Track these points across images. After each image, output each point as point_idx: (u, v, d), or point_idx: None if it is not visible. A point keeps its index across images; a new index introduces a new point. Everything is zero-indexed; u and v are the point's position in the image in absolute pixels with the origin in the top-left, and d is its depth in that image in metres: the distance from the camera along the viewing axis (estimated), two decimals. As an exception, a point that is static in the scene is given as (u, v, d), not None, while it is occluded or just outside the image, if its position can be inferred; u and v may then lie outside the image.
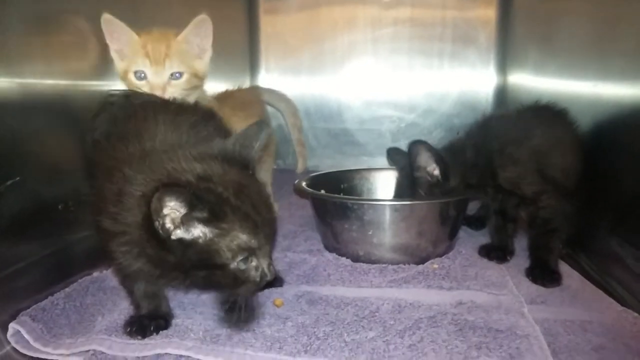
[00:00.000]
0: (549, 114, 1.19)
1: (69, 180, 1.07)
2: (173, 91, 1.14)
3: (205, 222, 0.69)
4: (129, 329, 0.85)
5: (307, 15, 2.17)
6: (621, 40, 1.12)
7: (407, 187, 1.17)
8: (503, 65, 2.05)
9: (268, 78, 2.19)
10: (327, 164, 2.03)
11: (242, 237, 0.72)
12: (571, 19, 1.42)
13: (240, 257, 0.72)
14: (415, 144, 1.14)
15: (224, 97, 1.43)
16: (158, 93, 1.10)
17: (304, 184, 1.25)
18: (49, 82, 1.05)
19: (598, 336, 0.86)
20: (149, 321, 0.86)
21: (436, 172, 1.14)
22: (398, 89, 2.14)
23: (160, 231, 0.69)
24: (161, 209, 0.67)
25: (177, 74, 1.14)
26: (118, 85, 1.18)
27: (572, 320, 0.91)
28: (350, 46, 2.14)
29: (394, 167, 1.33)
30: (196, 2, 1.51)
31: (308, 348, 0.81)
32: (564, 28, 1.47)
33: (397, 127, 2.17)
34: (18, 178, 0.92)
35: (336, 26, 2.15)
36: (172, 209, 0.67)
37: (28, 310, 0.91)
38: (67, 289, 1.01)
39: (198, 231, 0.70)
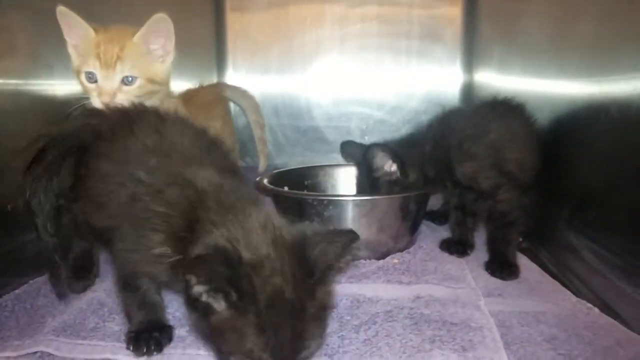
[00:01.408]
0: (505, 109, 1.21)
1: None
2: (124, 98, 1.06)
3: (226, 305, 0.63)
4: (131, 346, 0.78)
5: (275, 12, 2.15)
6: (576, 39, 1.14)
7: (368, 188, 1.16)
8: (469, 63, 2.07)
9: (236, 76, 2.17)
10: (296, 161, 2.01)
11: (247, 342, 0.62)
12: (532, 18, 1.44)
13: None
14: (370, 148, 1.14)
15: (186, 98, 1.39)
16: (107, 99, 1.04)
17: (265, 181, 1.24)
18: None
19: (551, 327, 0.87)
20: (149, 334, 0.79)
21: (394, 168, 1.14)
22: (366, 86, 2.14)
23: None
24: (189, 279, 0.62)
25: (129, 78, 1.06)
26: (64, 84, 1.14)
27: (527, 312, 0.92)
28: (318, 43, 2.14)
29: (349, 161, 1.33)
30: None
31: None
32: (525, 27, 1.49)
33: (366, 123, 2.17)
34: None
35: (304, 23, 2.14)
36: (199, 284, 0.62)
37: (-25, 312, 0.88)
38: (16, 291, 0.98)
39: (219, 305, 0.64)
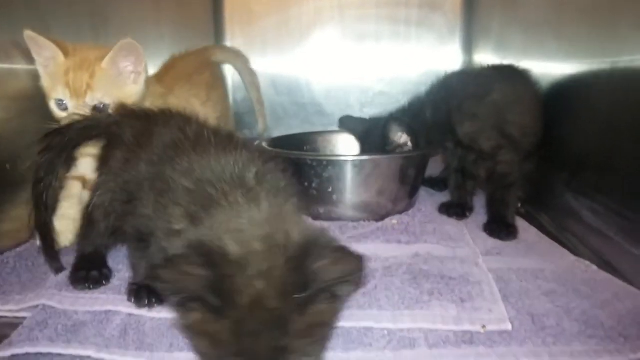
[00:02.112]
0: (510, 72, 1.20)
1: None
2: None
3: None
4: (132, 298, 0.79)
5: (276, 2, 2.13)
6: (576, 13, 1.14)
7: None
8: (468, 41, 2.04)
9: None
10: (295, 134, 2.01)
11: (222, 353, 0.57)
12: None
13: None
14: (389, 122, 1.14)
15: (164, 71, 1.31)
16: None
17: (264, 144, 1.24)
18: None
19: (549, 282, 0.88)
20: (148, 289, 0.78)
21: (409, 143, 1.15)
22: (365, 57, 2.12)
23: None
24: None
25: (101, 105, 1.02)
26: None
27: (525, 269, 0.93)
28: (317, 13, 2.11)
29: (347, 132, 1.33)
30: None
31: (262, 298, 0.81)
32: (522, 3, 1.48)
33: (365, 96, 2.15)
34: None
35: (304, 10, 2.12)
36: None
37: (-25, 268, 0.89)
38: (18, 249, 0.99)
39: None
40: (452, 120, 1.12)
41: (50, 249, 0.88)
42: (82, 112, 0.94)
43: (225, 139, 0.78)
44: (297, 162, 1.13)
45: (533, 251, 1.02)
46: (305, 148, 1.38)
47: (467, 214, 1.20)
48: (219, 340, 0.56)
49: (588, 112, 1.08)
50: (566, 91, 1.16)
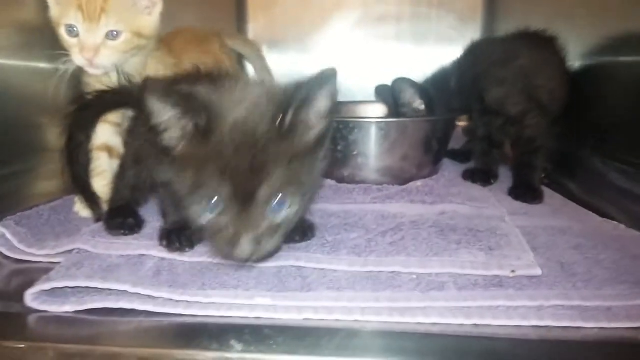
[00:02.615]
0: (537, 38, 1.20)
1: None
2: (109, 54, 0.97)
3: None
4: (164, 242, 0.81)
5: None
6: None
7: None
8: (490, 24, 2.03)
9: (254, 29, 2.16)
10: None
11: (206, 171, 0.64)
12: None
13: (198, 196, 0.66)
14: (399, 82, 1.15)
15: (172, 36, 1.27)
16: (89, 55, 0.95)
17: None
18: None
19: (577, 237, 0.88)
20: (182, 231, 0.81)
21: (422, 106, 1.15)
22: (386, 40, 2.12)
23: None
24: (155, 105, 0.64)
25: (113, 33, 0.96)
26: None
27: (553, 226, 0.93)
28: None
29: (382, 102, 1.33)
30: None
31: (291, 245, 0.82)
32: None
33: (385, 75, 2.15)
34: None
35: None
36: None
37: (13, 216, 0.91)
38: (51, 203, 1.01)
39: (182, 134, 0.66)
40: (479, 86, 1.13)
41: (91, 198, 0.91)
42: (94, 38, 0.94)
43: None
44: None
45: (560, 213, 1.02)
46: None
47: (492, 180, 1.20)
48: (204, 162, 0.64)
49: (615, 74, 1.08)
50: (593, 57, 1.16)
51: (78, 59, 0.97)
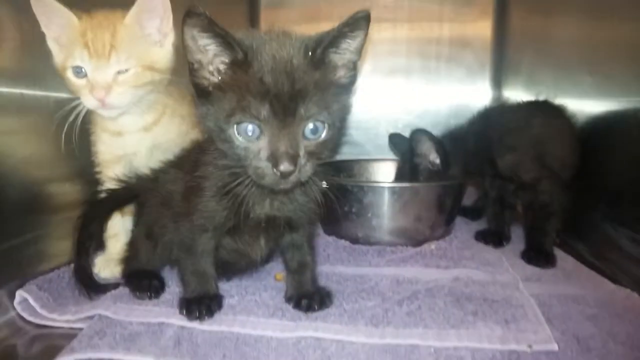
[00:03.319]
0: (547, 107, 1.24)
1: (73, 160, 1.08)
2: (121, 91, 0.91)
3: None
4: (183, 310, 0.82)
5: (307, 11, 2.21)
6: (612, 53, 1.16)
7: (408, 173, 1.20)
8: (498, 78, 2.08)
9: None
10: (324, 163, 2.04)
11: (248, 95, 0.68)
12: (563, 33, 1.46)
13: (237, 119, 0.69)
14: (418, 132, 1.18)
15: None
16: (101, 94, 0.89)
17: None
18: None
19: (591, 307, 0.88)
20: (201, 300, 0.83)
21: (437, 160, 1.18)
22: (395, 90, 2.17)
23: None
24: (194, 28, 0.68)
25: (124, 70, 0.91)
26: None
27: (566, 295, 0.94)
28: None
29: (395, 152, 1.36)
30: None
31: (309, 315, 0.83)
32: (555, 42, 1.51)
33: (394, 127, 2.19)
34: (29, 154, 0.95)
35: (335, 23, 2.19)
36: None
37: (35, 280, 0.93)
38: (72, 265, 1.02)
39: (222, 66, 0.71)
40: (493, 152, 1.15)
41: (89, 289, 0.91)
42: (104, 76, 0.89)
43: None
44: (339, 187, 1.16)
45: (572, 278, 1.03)
46: (341, 175, 1.41)
47: (504, 242, 1.21)
48: (244, 89, 0.68)
49: (625, 145, 1.10)
50: (602, 126, 1.18)
51: (89, 100, 0.91)
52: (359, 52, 0.73)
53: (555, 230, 1.15)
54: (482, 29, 2.07)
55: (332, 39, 0.69)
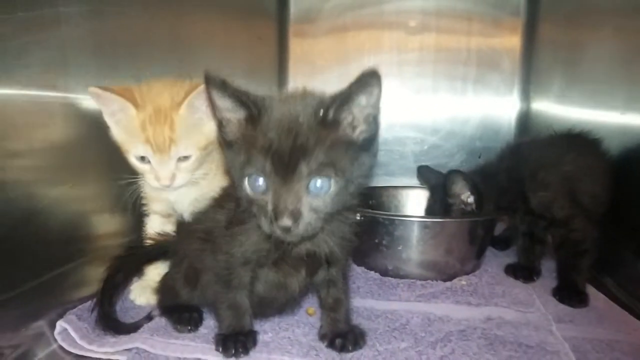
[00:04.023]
0: (581, 142, 1.22)
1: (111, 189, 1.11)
2: (183, 176, 1.00)
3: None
4: (219, 347, 0.83)
5: (335, 38, 2.22)
6: None
7: (440, 211, 1.20)
8: (526, 92, 2.07)
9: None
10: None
11: (254, 150, 0.71)
12: (597, 47, 1.45)
13: (247, 172, 0.72)
14: (453, 173, 1.18)
15: None
16: (167, 182, 0.98)
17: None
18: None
19: (626, 355, 0.88)
20: (237, 337, 0.84)
21: (470, 200, 1.18)
22: (422, 111, 2.17)
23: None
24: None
25: (184, 157, 0.99)
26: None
27: (600, 339, 0.93)
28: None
29: (423, 184, 1.36)
30: (230, 24, 1.56)
31: (343, 356, 0.84)
32: (589, 56, 1.50)
33: (420, 148, 2.19)
34: (70, 185, 0.97)
35: (363, 49, 2.20)
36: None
37: (74, 310, 0.95)
38: (110, 292, 1.05)
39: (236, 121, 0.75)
40: (525, 188, 1.15)
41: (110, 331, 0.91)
42: (167, 169, 0.98)
43: None
44: (370, 219, 1.16)
45: (605, 320, 1.02)
46: (370, 202, 1.42)
47: (535, 277, 1.21)
48: (252, 143, 0.71)
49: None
50: (637, 152, 1.16)
51: (154, 182, 1.00)
52: (377, 106, 0.73)
53: (588, 268, 1.14)
54: (511, 45, 2.07)
55: (345, 98, 0.70)
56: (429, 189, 1.32)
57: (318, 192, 0.71)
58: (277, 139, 0.70)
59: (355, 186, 0.76)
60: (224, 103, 0.74)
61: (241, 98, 0.72)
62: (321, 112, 0.71)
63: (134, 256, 1.03)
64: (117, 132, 0.99)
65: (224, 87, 0.72)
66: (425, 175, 1.36)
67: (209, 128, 1.00)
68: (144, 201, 1.10)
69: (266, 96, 0.75)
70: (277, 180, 0.70)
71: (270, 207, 0.70)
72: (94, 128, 1.01)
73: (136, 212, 1.10)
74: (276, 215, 0.70)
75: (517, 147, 1.25)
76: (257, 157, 0.70)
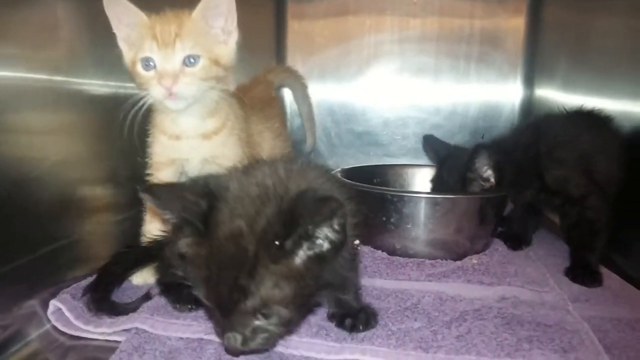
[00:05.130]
0: (596, 119, 1.19)
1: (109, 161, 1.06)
2: (188, 81, 0.91)
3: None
4: None
5: (335, 4, 2.16)
6: None
7: (455, 183, 1.15)
8: (530, 76, 2.03)
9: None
10: (349, 163, 1.99)
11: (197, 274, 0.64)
12: (606, 30, 1.40)
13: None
14: (480, 149, 1.13)
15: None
16: (168, 82, 0.90)
17: (338, 175, 1.24)
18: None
19: (648, 334, 0.84)
20: None
21: (492, 178, 1.13)
22: (424, 90, 2.13)
23: None
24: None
25: (191, 59, 0.92)
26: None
27: (619, 319, 0.89)
28: (377, 46, 2.13)
29: (428, 155, 1.31)
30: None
31: (355, 335, 0.79)
32: (596, 41, 1.45)
33: (422, 128, 2.14)
34: (62, 156, 0.92)
35: (363, 27, 2.15)
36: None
37: (68, 288, 0.90)
38: (108, 270, 1.00)
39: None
40: (541, 165, 1.11)
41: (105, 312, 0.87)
42: (172, 65, 0.90)
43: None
44: (379, 196, 1.12)
45: (621, 300, 0.98)
46: (375, 180, 1.37)
47: (523, 247, 1.23)
48: (197, 265, 0.63)
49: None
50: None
51: (157, 90, 0.91)
52: (338, 242, 0.63)
53: (601, 247, 1.10)
54: (515, 26, 2.02)
55: (300, 235, 0.60)
56: (436, 160, 1.27)
57: (264, 320, 0.64)
58: (219, 274, 0.61)
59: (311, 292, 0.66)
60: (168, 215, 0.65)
61: (184, 211, 0.63)
62: (273, 248, 0.60)
63: (132, 254, 0.98)
64: (128, 50, 0.95)
65: (166, 202, 0.64)
66: (434, 145, 1.31)
67: (222, 51, 0.96)
68: (149, 170, 1.04)
69: (219, 198, 0.64)
70: (218, 313, 0.64)
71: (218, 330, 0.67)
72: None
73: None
74: (222, 338, 0.66)
75: (536, 123, 1.21)
76: (199, 288, 0.64)
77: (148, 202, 0.64)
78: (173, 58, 0.91)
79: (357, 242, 0.79)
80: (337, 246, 0.63)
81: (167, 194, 0.65)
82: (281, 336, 0.69)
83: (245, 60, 1.38)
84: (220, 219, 0.62)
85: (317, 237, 0.62)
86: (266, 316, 0.63)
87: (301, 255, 0.62)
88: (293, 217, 0.59)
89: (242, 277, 0.59)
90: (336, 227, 0.61)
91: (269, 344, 0.68)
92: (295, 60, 2.18)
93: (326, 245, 0.62)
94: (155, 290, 0.93)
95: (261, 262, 0.60)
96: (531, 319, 0.86)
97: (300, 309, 0.66)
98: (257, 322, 0.63)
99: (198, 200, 0.63)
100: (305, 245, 0.62)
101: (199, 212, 0.63)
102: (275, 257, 0.60)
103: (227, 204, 0.64)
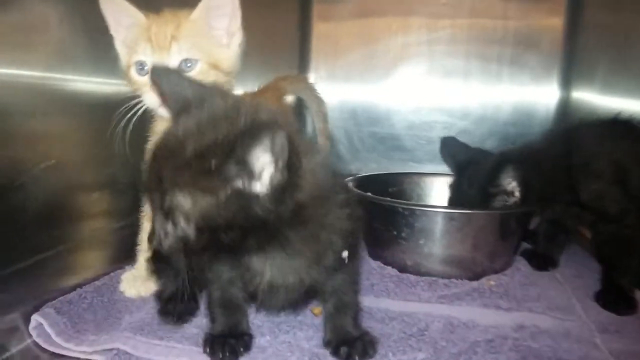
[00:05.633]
0: (632, 129, 1.08)
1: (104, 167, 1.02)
2: None
3: None
4: (207, 349, 0.74)
5: (360, 5, 2.09)
6: None
7: (477, 197, 1.06)
8: (567, 79, 1.91)
9: (317, 80, 2.11)
10: (371, 169, 1.93)
11: None
12: None
13: None
14: (504, 162, 1.04)
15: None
16: None
17: (350, 184, 1.17)
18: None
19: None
20: (225, 339, 0.74)
21: (517, 193, 1.04)
22: (451, 94, 2.03)
23: None
24: None
25: (188, 63, 0.85)
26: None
27: (654, 355, 0.79)
28: (404, 48, 2.05)
29: (446, 160, 1.23)
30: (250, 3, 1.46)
31: (349, 367, 0.72)
32: (638, 43, 1.36)
33: (448, 133, 2.04)
34: (53, 161, 0.87)
35: (390, 29, 2.07)
36: None
37: (53, 302, 0.86)
38: (97, 282, 0.96)
39: None
40: (574, 178, 1.01)
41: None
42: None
43: None
44: (389, 209, 1.04)
45: (656, 331, 0.88)
46: (390, 190, 1.29)
47: (549, 268, 1.13)
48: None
49: None
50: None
51: (150, 98, 0.85)
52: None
53: (637, 270, 1.00)
54: (552, 27, 1.91)
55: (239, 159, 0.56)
56: (454, 167, 1.18)
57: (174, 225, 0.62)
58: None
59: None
60: None
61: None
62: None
63: None
64: (124, 53, 0.89)
65: None
66: (452, 148, 1.22)
67: (224, 54, 0.89)
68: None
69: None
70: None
71: None
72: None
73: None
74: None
75: (565, 133, 1.10)
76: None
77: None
78: (168, 62, 0.84)
79: (345, 253, 0.72)
80: (279, 180, 0.58)
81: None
82: (185, 254, 0.63)
83: (268, 63, 1.33)
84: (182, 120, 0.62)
85: (253, 163, 0.56)
86: (173, 223, 0.60)
87: (232, 182, 0.57)
88: (232, 140, 0.57)
89: (165, 174, 0.59)
90: (273, 151, 0.55)
91: (173, 254, 0.64)
92: (319, 62, 2.13)
93: (265, 175, 0.57)
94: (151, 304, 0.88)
95: (188, 171, 0.58)
96: (551, 354, 0.77)
97: (208, 241, 0.61)
98: (167, 226, 0.61)
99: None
100: (237, 171, 0.57)
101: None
102: (202, 172, 0.57)
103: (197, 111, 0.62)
